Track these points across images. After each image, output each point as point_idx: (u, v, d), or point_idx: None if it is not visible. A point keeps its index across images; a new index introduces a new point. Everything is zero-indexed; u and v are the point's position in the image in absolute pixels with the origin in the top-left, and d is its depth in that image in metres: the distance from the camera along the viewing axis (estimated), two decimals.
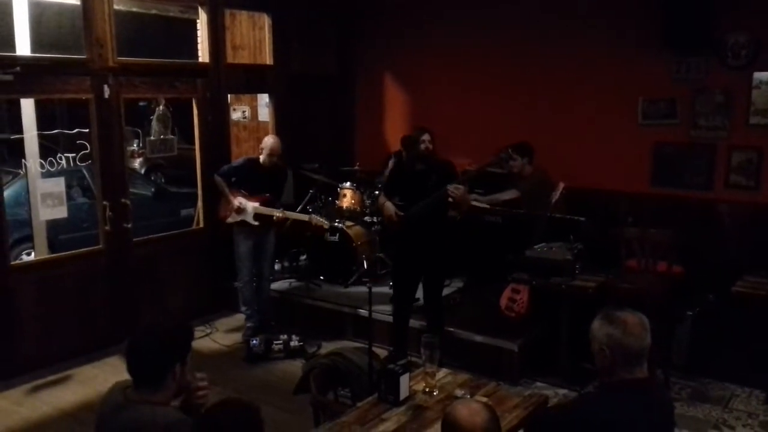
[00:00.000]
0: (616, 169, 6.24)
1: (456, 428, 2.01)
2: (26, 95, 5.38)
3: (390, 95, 7.82)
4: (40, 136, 5.64)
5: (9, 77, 4.91)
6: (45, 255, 6.18)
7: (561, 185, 5.72)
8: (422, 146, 5.10)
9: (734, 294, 4.68)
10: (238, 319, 6.39)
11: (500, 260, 5.74)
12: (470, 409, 2.05)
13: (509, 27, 6.76)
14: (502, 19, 6.80)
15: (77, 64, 5.40)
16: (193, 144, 6.60)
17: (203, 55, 6.51)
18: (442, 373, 3.34)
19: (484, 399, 2.74)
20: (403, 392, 3.05)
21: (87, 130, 5.56)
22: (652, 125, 6.12)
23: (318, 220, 5.79)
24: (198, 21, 7.11)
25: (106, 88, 5.52)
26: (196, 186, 6.66)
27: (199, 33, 7.25)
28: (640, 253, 4.99)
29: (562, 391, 4.94)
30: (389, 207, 5.24)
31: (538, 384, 5.11)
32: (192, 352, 2.48)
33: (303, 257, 7.07)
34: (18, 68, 4.92)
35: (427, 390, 3.13)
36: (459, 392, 3.09)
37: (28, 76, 5.06)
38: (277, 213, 5.68)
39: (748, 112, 5.68)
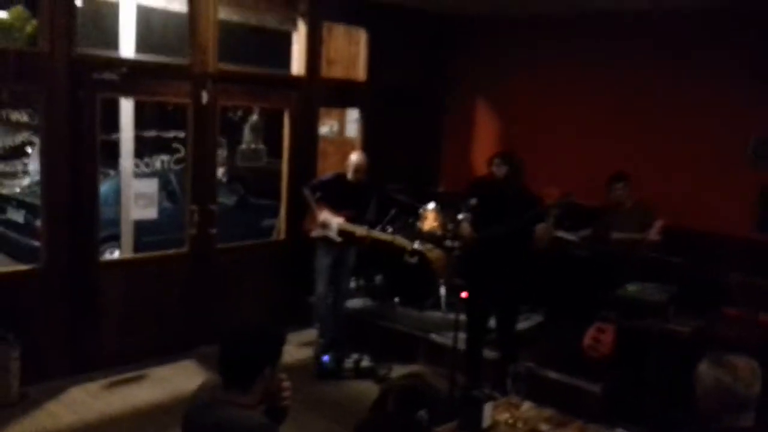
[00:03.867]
0: (721, 211, 5.91)
1: None
2: (128, 95, 5.55)
3: (480, 118, 7.72)
4: (137, 137, 5.79)
5: (115, 77, 5.08)
6: (131, 254, 6.33)
7: (660, 222, 5.45)
8: (490, 168, 4.95)
9: None
10: (310, 334, 6.33)
11: (585, 297, 5.51)
12: None
13: (616, 60, 6.55)
14: (609, 52, 6.59)
15: (179, 68, 5.54)
16: (275, 157, 6.64)
17: (298, 67, 6.57)
18: (526, 405, 3.16)
19: None
20: (486, 421, 2.91)
21: (183, 134, 5.68)
22: (763, 166, 5.77)
23: (402, 241, 5.70)
24: (294, 33, 7.23)
25: (204, 93, 5.64)
26: (275, 198, 6.70)
27: (294, 45, 7.37)
28: (743, 301, 4.67)
29: None
30: (466, 227, 5.11)
31: (619, 430, 4.80)
32: (280, 360, 2.41)
33: (379, 277, 6.99)
34: (125, 69, 5.07)
35: (510, 421, 2.97)
36: (544, 427, 2.92)
37: (133, 77, 5.22)
38: (362, 231, 5.62)
39: None
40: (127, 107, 6.15)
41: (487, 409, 2.91)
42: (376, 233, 5.80)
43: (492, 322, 5.25)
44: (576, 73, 6.82)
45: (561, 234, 5.92)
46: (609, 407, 4.91)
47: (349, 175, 5.71)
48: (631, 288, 5.03)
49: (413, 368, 5.52)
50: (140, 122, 5.93)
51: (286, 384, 2.45)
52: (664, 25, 6.19)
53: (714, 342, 4.52)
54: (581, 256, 5.82)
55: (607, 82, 6.64)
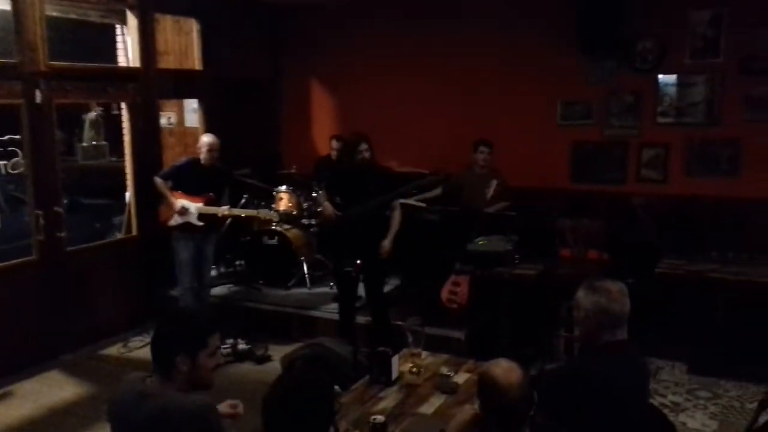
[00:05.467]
0: (540, 168, 6.67)
1: (495, 386, 2.20)
2: None
3: (317, 99, 7.98)
4: None
5: None
6: None
7: (494, 182, 6.10)
8: (359, 156, 5.26)
9: (658, 275, 5.15)
10: None
11: (437, 255, 6.02)
12: (504, 368, 2.25)
13: (434, 33, 7.08)
14: (427, 25, 7.11)
15: (8, 68, 5.20)
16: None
17: (132, 59, 6.40)
18: (424, 354, 3.53)
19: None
20: (394, 373, 3.23)
21: (18, 137, 5.36)
22: (570, 126, 6.61)
23: (267, 213, 5.84)
24: (118, 26, 6.99)
25: (38, 93, 5.35)
26: (110, 197, 6.48)
27: (119, 38, 7.13)
28: (573, 243, 5.40)
29: None
30: (327, 207, 5.40)
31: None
32: (208, 349, 2.41)
33: (239, 262, 7.06)
34: None
35: (414, 370, 3.30)
36: (445, 370, 3.30)
37: None
38: (224, 210, 5.68)
39: (655, 112, 6.26)
40: None
41: (394, 362, 3.23)
42: (239, 210, 5.89)
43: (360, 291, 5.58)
44: (404, 50, 7.27)
45: (410, 201, 6.37)
46: (472, 351, 5.48)
47: (203, 158, 5.70)
48: (480, 242, 5.59)
49: (291, 345, 5.70)
50: None
51: (237, 410, 2.60)
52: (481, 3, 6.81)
53: (555, 280, 5.22)
54: (430, 220, 6.30)
55: (430, 56, 7.15)
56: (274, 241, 6.56)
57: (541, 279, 5.26)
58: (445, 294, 5.69)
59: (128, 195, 6.70)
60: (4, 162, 5.26)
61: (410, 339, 3.37)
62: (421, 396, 3.10)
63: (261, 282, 6.66)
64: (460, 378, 3.28)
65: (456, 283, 5.66)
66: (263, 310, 6.24)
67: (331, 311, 5.93)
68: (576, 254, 5.42)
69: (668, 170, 6.29)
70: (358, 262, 4.71)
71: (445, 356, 3.60)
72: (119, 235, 7.23)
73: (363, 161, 5.22)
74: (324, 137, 7.62)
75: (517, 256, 5.47)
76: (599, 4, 6.06)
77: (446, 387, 3.15)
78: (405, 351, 3.45)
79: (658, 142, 6.30)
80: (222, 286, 6.71)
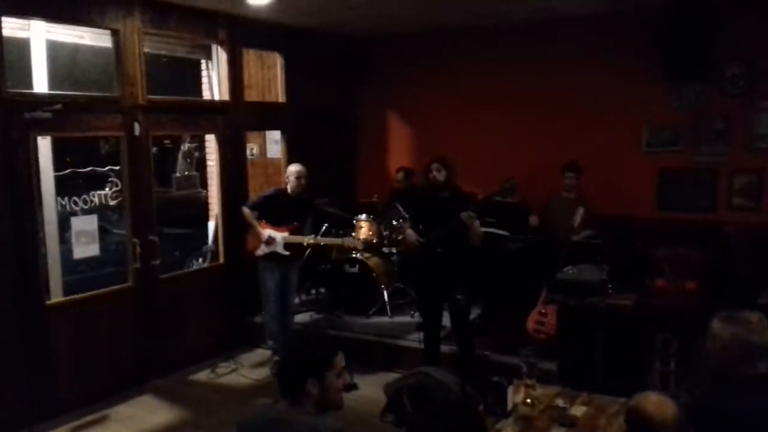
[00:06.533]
0: (625, 195, 6.55)
1: (649, 422, 2.13)
2: (62, 132, 5.32)
3: (393, 129, 8.05)
4: (73, 174, 5.60)
5: (48, 115, 4.91)
6: (60, 297, 6.06)
7: (580, 210, 6.00)
8: (430, 175, 5.25)
9: (760, 306, 4.95)
10: (260, 354, 6.37)
11: (520, 285, 5.93)
12: (655, 402, 2.17)
13: (514, 62, 7.09)
14: (507, 54, 7.12)
15: (110, 101, 5.43)
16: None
17: (220, 93, 6.59)
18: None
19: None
20: (509, 404, 3.18)
21: (117, 168, 5.56)
22: (657, 152, 6.48)
23: (351, 242, 5.90)
24: (203, 61, 7.22)
25: (136, 125, 5.57)
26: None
27: (204, 72, 7.35)
28: (669, 273, 5.24)
29: None
30: (411, 234, 5.40)
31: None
32: (334, 370, 2.41)
33: (318, 290, 7.11)
34: (59, 106, 4.91)
35: (528, 401, 3.25)
36: (560, 402, 3.23)
37: (65, 113, 5.05)
38: (309, 239, 5.75)
39: (748, 138, 6.09)
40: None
41: (509, 393, 3.19)
42: (324, 239, 5.97)
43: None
44: (481, 78, 7.29)
45: (491, 230, 6.33)
46: (564, 381, 5.35)
47: (290, 187, 5.81)
48: (570, 271, 5.49)
49: (375, 374, 5.69)
50: (76, 159, 5.73)
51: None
52: (563, 30, 6.78)
53: (651, 312, 5.07)
54: (513, 248, 6.24)
55: (510, 86, 7.14)
56: (355, 269, 6.60)
57: (637, 309, 5.12)
58: (531, 324, 5.59)
59: (211, 224, 6.87)
60: (104, 192, 5.43)
61: (524, 370, 3.33)
62: (539, 429, 3.05)
63: (342, 310, 6.68)
64: (577, 410, 3.21)
65: (543, 313, 5.56)
66: (346, 338, 6.23)
67: (413, 340, 5.90)
68: (672, 285, 5.25)
69: (763, 198, 6.09)
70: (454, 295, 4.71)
71: (557, 388, 3.53)
72: (196, 264, 7.43)
73: (433, 181, 5.22)
74: (396, 165, 7.65)
75: (610, 286, 5.35)
76: (686, 29, 5.98)
77: (565, 420, 3.09)
78: (517, 382, 3.40)
79: (751, 169, 6.12)
80: (304, 314, 6.77)
